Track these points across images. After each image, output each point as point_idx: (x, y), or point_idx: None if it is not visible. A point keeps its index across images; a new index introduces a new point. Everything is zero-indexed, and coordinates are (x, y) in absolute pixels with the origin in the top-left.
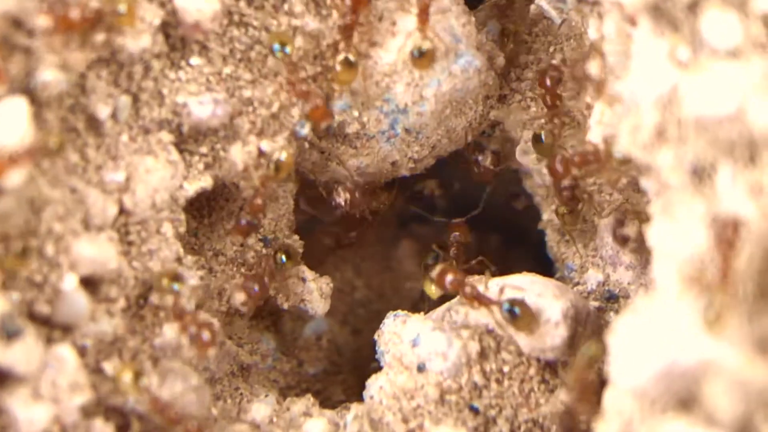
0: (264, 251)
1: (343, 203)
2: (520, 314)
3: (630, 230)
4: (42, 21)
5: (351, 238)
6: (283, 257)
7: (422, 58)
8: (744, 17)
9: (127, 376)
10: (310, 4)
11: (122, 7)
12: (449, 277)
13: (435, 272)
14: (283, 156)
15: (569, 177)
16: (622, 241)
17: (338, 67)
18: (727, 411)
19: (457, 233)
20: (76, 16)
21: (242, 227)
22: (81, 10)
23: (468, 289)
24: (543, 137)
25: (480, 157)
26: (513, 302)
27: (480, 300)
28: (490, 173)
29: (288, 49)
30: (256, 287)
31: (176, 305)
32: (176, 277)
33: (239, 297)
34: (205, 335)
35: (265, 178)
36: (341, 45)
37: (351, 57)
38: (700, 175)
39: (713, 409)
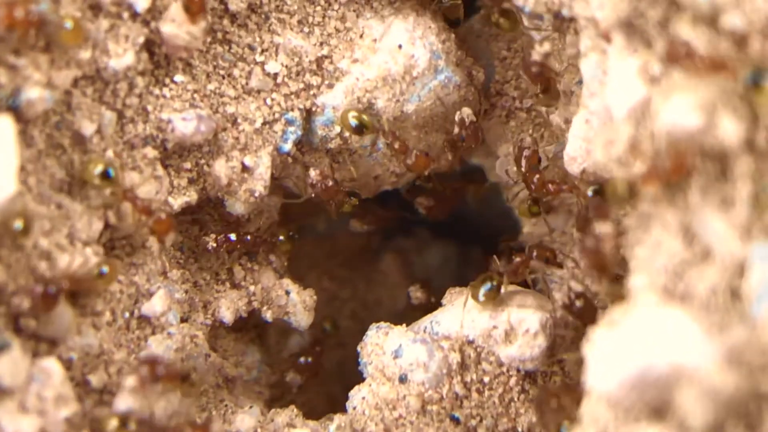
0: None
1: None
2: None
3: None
4: None
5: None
6: (282, 236)
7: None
8: (714, 33)
9: (97, 170)
10: (292, 21)
11: (68, 23)
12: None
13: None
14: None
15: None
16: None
17: None
18: (699, 419)
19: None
20: (20, 16)
21: None
22: (25, 12)
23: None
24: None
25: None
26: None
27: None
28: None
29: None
30: (233, 236)
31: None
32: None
33: (207, 240)
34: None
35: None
36: None
37: None
38: (674, 187)
39: (685, 417)
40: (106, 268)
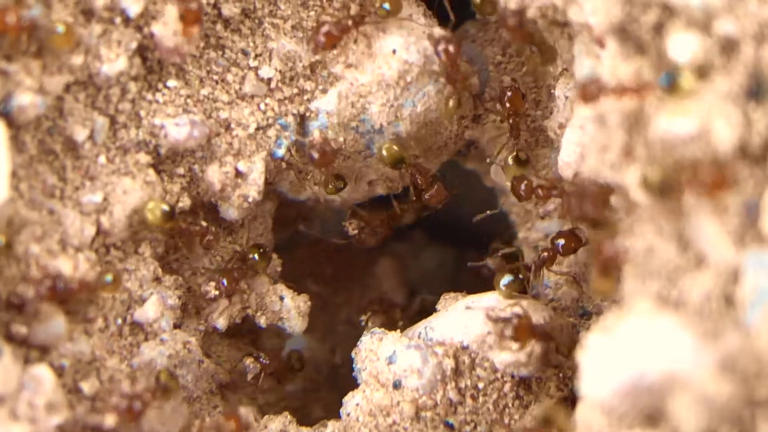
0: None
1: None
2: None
3: None
4: None
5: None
6: (255, 255)
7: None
8: (708, 38)
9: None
10: (286, 26)
11: (60, 28)
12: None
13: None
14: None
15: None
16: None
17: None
18: (693, 426)
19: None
20: (11, 21)
21: None
22: (17, 17)
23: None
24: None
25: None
26: None
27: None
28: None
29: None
30: (225, 281)
31: None
32: None
33: (209, 289)
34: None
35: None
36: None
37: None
38: (667, 193)
39: (679, 424)
40: (110, 277)
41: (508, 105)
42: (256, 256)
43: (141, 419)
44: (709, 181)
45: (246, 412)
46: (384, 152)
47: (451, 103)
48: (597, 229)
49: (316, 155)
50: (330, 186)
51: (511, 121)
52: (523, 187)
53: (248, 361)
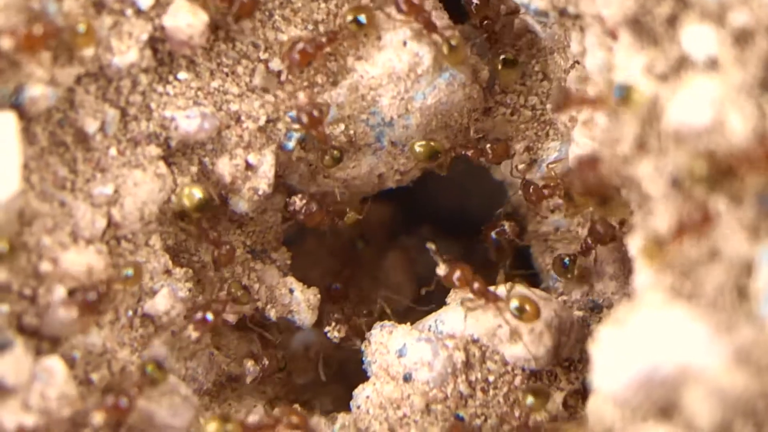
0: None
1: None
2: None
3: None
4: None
5: None
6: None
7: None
8: (721, 30)
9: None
10: (296, 19)
11: (81, 27)
12: (457, 274)
13: (444, 269)
14: None
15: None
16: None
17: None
18: (707, 419)
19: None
20: (38, 33)
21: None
22: (44, 25)
23: (476, 285)
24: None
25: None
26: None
27: (487, 297)
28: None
29: None
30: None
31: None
32: None
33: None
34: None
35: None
36: None
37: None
38: (680, 186)
39: (693, 417)
40: (131, 271)
41: (475, 12)
42: (235, 289)
43: (128, 415)
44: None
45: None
46: (418, 149)
47: (445, 48)
48: (605, 207)
49: (305, 119)
50: (327, 158)
51: (485, 25)
52: (531, 191)
53: (249, 363)
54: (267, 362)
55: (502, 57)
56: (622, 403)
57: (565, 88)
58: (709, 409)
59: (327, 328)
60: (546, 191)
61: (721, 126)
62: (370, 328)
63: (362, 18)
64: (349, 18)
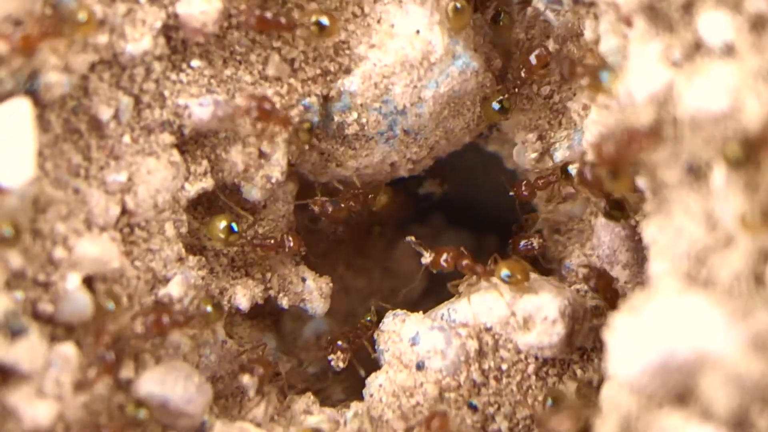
0: None
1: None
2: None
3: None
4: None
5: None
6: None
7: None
8: (738, 16)
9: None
10: (310, 7)
11: (82, 16)
12: (444, 255)
13: (430, 254)
14: None
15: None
16: None
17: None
18: (723, 405)
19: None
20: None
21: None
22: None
23: (465, 262)
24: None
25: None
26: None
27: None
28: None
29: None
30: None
31: None
32: None
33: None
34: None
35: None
36: None
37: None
38: (696, 172)
39: (709, 403)
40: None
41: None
42: (209, 307)
43: (166, 332)
44: None
45: None
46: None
47: (450, 11)
48: (617, 180)
49: (256, 114)
50: (301, 134)
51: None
52: (523, 188)
53: (245, 378)
54: (262, 371)
55: (492, 14)
56: (639, 390)
57: (572, 58)
58: (726, 395)
59: (331, 356)
60: (541, 183)
61: (737, 112)
62: (372, 343)
63: (324, 21)
64: (314, 18)
